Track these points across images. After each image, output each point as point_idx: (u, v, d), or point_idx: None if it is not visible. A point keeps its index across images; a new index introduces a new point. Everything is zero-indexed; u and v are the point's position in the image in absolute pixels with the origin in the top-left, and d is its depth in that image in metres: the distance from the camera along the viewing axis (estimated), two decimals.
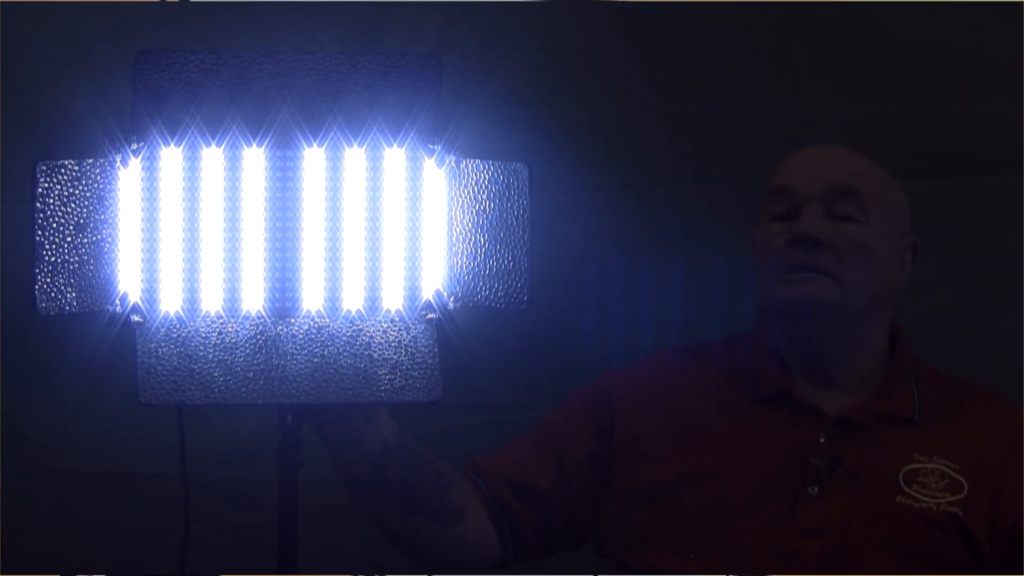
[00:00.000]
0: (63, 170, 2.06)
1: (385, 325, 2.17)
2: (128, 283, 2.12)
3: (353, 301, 2.17)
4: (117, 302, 2.12)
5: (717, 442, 2.39)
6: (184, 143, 2.12)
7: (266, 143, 2.14)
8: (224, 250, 2.14)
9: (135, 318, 2.12)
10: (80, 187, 2.07)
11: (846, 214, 2.37)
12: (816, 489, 2.34)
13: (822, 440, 2.37)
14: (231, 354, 2.12)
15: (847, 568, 2.32)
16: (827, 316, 2.37)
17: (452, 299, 2.20)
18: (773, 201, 2.40)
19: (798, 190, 2.38)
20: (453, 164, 2.18)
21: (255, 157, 2.14)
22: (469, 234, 2.18)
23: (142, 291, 2.12)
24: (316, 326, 2.16)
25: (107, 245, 2.11)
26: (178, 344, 2.11)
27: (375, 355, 2.15)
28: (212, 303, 2.14)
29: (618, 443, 2.43)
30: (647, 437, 2.42)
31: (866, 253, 2.37)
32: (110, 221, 2.11)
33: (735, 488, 2.35)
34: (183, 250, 2.13)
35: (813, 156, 2.44)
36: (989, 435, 2.41)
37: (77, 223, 2.07)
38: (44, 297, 2.04)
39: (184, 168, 2.13)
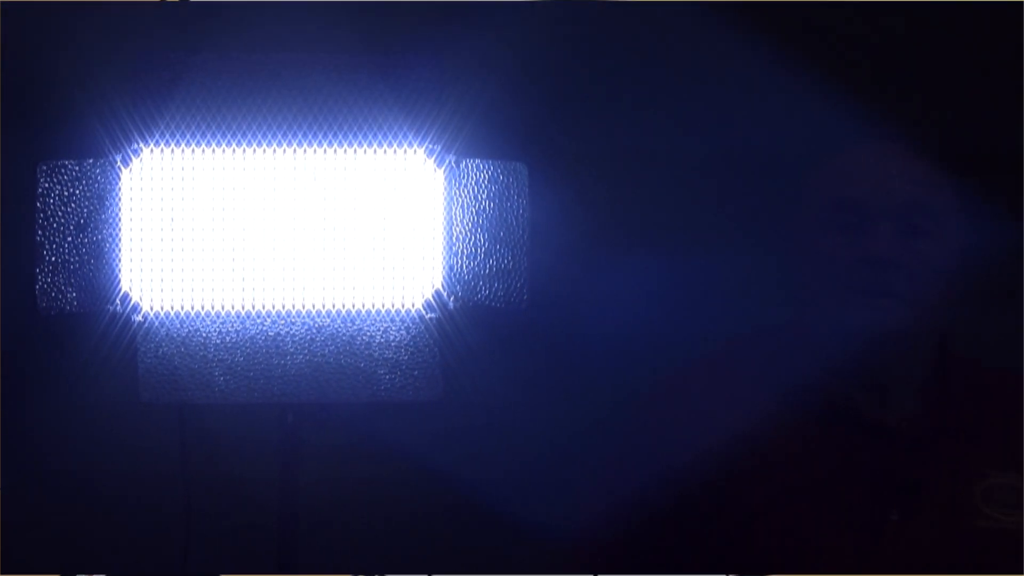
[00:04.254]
0: (64, 170, 2.06)
1: (385, 324, 2.17)
2: (129, 283, 2.13)
3: (353, 300, 2.18)
4: (118, 301, 2.12)
5: (778, 464, 2.24)
6: (184, 143, 2.12)
7: (266, 143, 2.14)
8: (225, 250, 2.14)
9: (136, 317, 2.12)
10: (81, 187, 2.08)
11: (920, 228, 2.25)
12: (897, 515, 2.21)
13: (891, 459, 2.24)
14: (232, 353, 2.12)
15: None
16: (893, 343, 2.25)
17: (452, 298, 2.20)
18: (838, 210, 2.26)
19: (871, 203, 2.25)
20: (453, 164, 2.18)
21: (255, 157, 2.14)
22: (469, 234, 2.19)
23: (143, 290, 2.13)
24: (316, 326, 2.16)
25: (108, 245, 2.11)
26: (179, 343, 2.12)
27: (375, 354, 2.15)
28: (213, 303, 2.14)
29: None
30: (713, 462, 2.25)
31: (937, 271, 2.25)
32: (111, 221, 2.11)
33: (809, 515, 2.22)
34: (183, 250, 2.13)
35: (881, 163, 2.29)
36: None
37: (78, 223, 2.07)
38: (45, 297, 2.04)
39: (184, 168, 2.13)
